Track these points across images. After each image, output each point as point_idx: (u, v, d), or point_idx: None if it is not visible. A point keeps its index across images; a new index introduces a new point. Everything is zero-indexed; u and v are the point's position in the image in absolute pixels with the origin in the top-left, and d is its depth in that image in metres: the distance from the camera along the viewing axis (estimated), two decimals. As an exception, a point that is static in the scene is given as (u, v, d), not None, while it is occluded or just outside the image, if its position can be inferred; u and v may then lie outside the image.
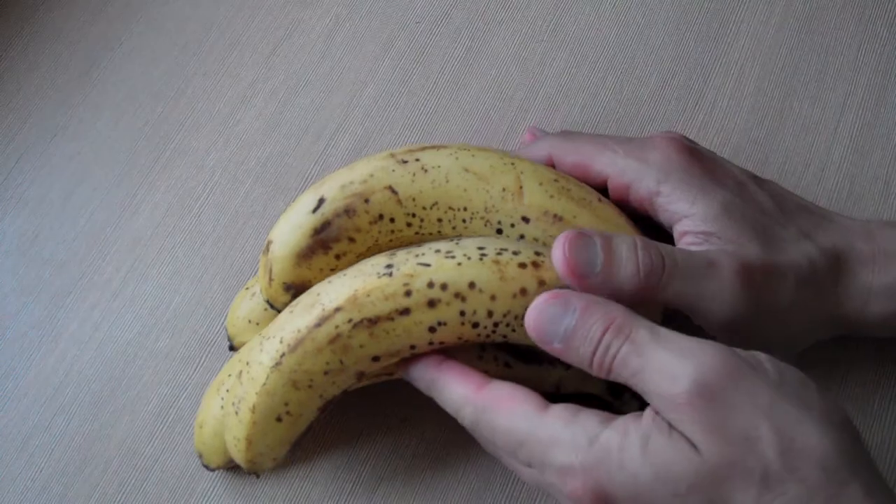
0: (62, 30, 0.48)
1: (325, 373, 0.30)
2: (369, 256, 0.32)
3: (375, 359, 0.30)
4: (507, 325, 0.30)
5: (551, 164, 0.35)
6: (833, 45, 0.44)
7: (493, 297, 0.29)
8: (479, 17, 0.47)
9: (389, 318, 0.29)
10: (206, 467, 0.36)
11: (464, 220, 0.32)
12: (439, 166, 0.32)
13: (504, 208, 0.31)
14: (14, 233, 0.43)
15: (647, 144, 0.34)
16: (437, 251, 0.30)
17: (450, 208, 0.32)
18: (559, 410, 0.28)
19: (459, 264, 0.29)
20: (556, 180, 0.33)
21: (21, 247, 0.43)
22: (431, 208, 0.32)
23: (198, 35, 0.47)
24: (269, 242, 0.33)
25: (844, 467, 0.24)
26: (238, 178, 0.44)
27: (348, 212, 0.31)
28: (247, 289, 0.37)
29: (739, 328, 0.31)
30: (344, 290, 0.29)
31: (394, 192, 0.31)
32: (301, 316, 0.30)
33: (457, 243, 0.30)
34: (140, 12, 0.48)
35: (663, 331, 0.27)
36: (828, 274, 0.32)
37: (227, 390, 0.34)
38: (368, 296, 0.29)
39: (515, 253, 0.30)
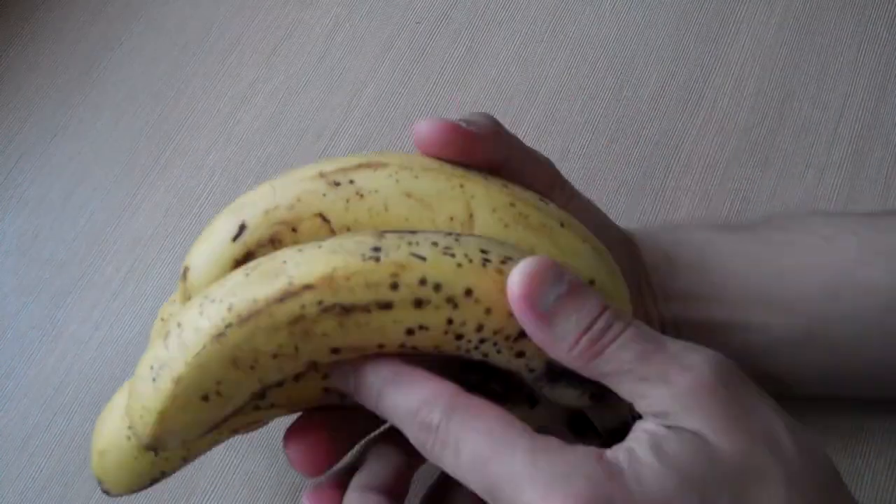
0: (62, 30, 0.48)
1: (275, 356, 0.25)
2: None
3: (335, 351, 0.26)
4: (494, 343, 0.26)
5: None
6: (833, 45, 0.44)
7: (487, 311, 0.26)
8: (479, 17, 0.47)
9: (366, 309, 0.25)
10: (107, 493, 0.31)
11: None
12: (377, 191, 0.27)
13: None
14: (14, 233, 0.43)
15: None
16: (434, 244, 0.26)
17: None
18: (547, 446, 0.23)
19: (459, 265, 0.25)
20: (511, 204, 0.28)
21: (21, 247, 0.43)
22: None
23: (198, 35, 0.47)
24: (186, 269, 0.28)
25: (837, 476, 0.25)
26: (238, 178, 0.44)
27: (273, 242, 0.27)
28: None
29: None
30: (319, 265, 0.25)
31: (325, 220, 0.27)
32: (260, 284, 0.25)
33: (456, 239, 0.26)
34: (140, 12, 0.48)
35: (658, 333, 0.25)
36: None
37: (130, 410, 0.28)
38: (348, 279, 0.25)
39: None
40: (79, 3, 0.48)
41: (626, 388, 0.24)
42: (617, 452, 0.23)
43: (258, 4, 0.48)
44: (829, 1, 0.45)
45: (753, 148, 0.42)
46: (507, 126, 0.43)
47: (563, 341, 0.24)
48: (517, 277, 0.24)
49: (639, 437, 0.23)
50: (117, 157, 0.44)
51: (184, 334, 0.25)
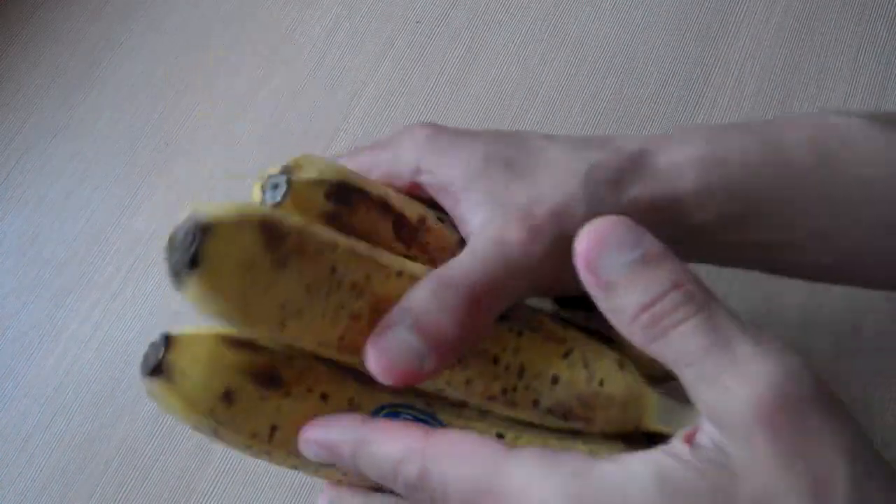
0: (62, 30, 0.48)
1: None
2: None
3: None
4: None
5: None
6: (833, 45, 0.44)
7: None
8: (479, 17, 0.47)
9: None
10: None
11: None
12: None
13: None
14: (14, 233, 0.43)
15: (391, 141, 0.29)
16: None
17: None
18: (530, 451, 0.22)
19: None
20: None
21: (21, 247, 0.43)
22: None
23: (198, 35, 0.47)
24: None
25: None
26: (238, 178, 0.44)
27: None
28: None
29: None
30: None
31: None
32: None
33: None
34: (140, 12, 0.48)
35: (742, 321, 0.21)
36: (626, 165, 0.27)
37: None
38: None
39: None
40: (79, 3, 0.48)
41: (686, 381, 0.21)
42: (609, 466, 0.21)
43: (258, 4, 0.48)
44: (829, 1, 0.45)
45: (753, 148, 0.42)
46: (506, 126, 0.44)
47: (621, 313, 0.21)
48: (583, 235, 0.21)
49: (646, 455, 0.21)
50: (117, 157, 0.44)
51: None
